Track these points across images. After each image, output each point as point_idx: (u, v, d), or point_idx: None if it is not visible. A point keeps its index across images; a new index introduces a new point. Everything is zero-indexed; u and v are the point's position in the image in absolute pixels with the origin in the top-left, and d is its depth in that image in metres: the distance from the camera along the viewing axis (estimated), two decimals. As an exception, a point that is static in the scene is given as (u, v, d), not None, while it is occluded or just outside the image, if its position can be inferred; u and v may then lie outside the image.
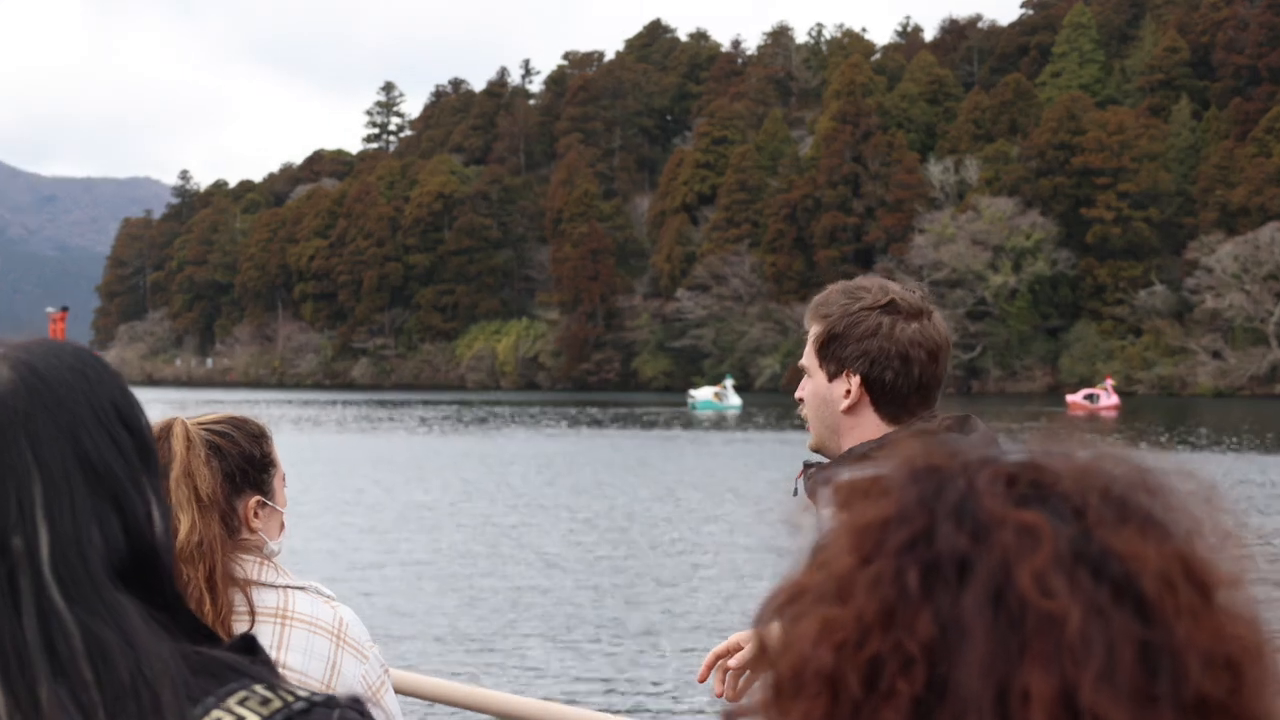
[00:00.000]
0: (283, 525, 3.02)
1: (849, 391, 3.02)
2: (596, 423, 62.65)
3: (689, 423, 63.73)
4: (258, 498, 2.97)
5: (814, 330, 3.07)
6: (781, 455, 41.06)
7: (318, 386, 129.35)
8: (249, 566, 2.89)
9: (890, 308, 3.01)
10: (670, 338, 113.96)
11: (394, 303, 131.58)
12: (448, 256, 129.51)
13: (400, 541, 23.21)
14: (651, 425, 60.74)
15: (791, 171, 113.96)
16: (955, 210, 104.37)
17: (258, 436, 2.99)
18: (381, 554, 21.71)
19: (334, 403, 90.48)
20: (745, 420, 65.28)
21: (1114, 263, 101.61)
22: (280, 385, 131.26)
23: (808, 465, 3.07)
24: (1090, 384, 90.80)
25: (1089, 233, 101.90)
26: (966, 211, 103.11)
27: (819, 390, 3.06)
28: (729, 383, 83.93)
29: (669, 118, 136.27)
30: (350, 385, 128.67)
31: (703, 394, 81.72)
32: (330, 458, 41.14)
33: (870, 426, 3.02)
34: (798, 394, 3.14)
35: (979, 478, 0.91)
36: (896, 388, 3.00)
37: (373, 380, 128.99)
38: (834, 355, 3.04)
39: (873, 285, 3.05)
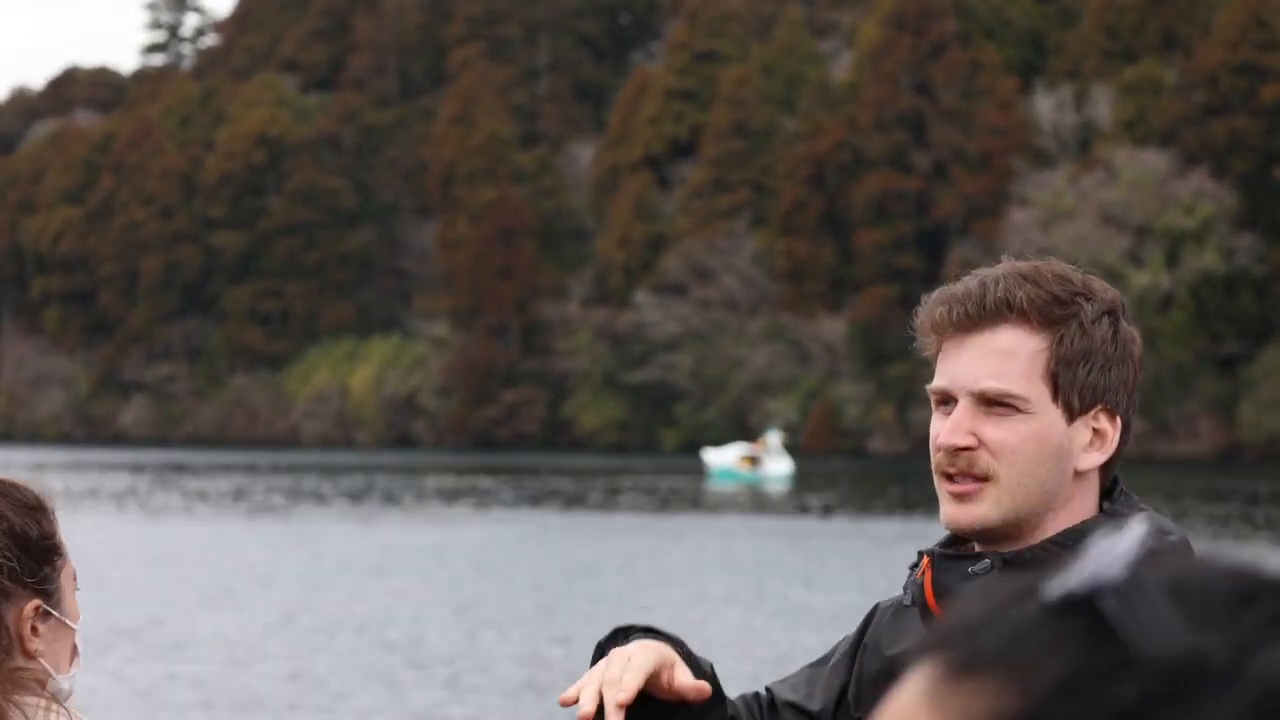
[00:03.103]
0: (76, 650, 3.08)
1: (1095, 441, 3.03)
2: (511, 504, 63.43)
3: (669, 503, 63.80)
4: (36, 603, 3.01)
5: (1031, 341, 3.01)
6: (873, 557, 40.90)
7: (66, 440, 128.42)
8: (32, 713, 2.93)
9: (1125, 310, 3.09)
10: (625, 367, 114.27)
11: (189, 309, 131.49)
12: (274, 236, 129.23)
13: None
14: (608, 507, 61.36)
15: (818, 107, 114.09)
16: (1076, 169, 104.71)
17: (34, 509, 3.05)
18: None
19: (87, 467, 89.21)
20: (780, 496, 66.87)
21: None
22: (7, 438, 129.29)
23: (939, 556, 3.02)
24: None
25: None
26: (1094, 170, 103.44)
27: (1050, 437, 3.00)
28: (774, 437, 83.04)
29: (624, 20, 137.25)
30: (118, 439, 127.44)
31: (724, 456, 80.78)
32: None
33: (1090, 497, 3.06)
34: (959, 439, 2.99)
35: None
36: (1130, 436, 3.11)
37: (154, 431, 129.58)
38: (1084, 384, 3.02)
39: (1072, 273, 3.07)
